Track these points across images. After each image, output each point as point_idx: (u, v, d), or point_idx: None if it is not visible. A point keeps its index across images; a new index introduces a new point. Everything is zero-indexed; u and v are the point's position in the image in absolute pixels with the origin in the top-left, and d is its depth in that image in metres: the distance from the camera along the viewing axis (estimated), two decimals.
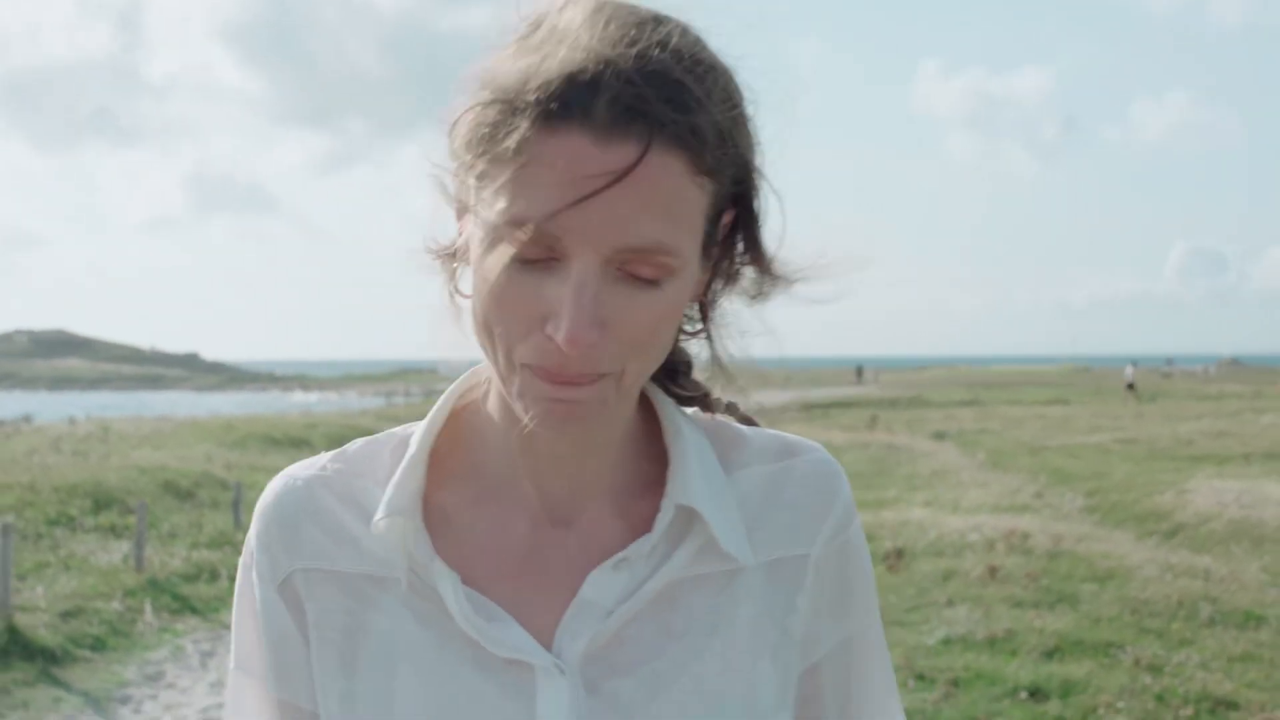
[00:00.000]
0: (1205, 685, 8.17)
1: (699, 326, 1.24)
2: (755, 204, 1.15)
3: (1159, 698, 7.96)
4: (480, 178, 1.06)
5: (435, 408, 1.24)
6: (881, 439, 29.95)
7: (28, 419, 42.58)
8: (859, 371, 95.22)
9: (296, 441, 27.35)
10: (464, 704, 1.15)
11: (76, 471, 17.56)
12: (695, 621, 1.19)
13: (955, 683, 8.40)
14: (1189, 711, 7.65)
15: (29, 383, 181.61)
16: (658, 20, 1.06)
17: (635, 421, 1.24)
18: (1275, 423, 31.81)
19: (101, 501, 16.01)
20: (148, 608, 11.59)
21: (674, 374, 1.29)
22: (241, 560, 1.26)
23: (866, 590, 1.31)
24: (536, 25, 1.07)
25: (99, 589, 11.77)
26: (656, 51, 1.02)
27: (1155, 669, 8.59)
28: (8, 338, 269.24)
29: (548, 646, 1.16)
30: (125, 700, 9.10)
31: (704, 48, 1.08)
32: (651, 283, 1.05)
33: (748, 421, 1.31)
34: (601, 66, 1.00)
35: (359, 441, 1.27)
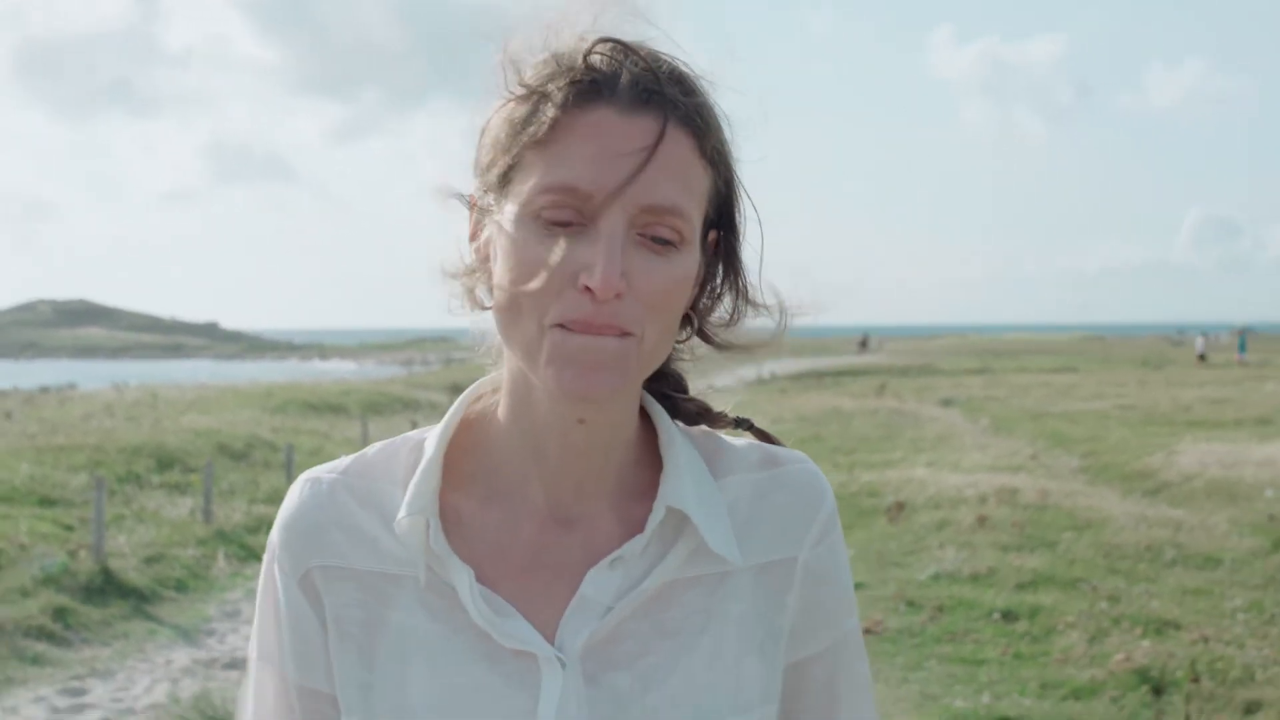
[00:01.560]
0: (1156, 612, 9.37)
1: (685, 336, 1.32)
2: (737, 225, 1.27)
3: (1114, 620, 9.19)
4: (514, 168, 1.17)
5: (449, 414, 1.31)
6: (890, 405, 30.45)
7: (73, 386, 43.68)
8: (863, 340, 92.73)
9: (335, 408, 28.63)
10: (473, 693, 1.22)
11: (138, 434, 18.85)
12: (688, 620, 1.26)
13: (940, 608, 9.71)
14: (1137, 631, 8.84)
15: (52, 352, 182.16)
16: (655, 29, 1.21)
17: (635, 431, 1.31)
18: (1277, 391, 32.39)
19: (164, 461, 17.29)
20: (220, 555, 12.84)
21: (675, 390, 1.39)
22: (265, 557, 1.32)
23: (850, 592, 1.39)
24: (553, 27, 1.20)
25: (173, 539, 13.03)
26: (663, 54, 1.19)
27: (1114, 599, 9.84)
28: (30, 307, 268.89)
29: (550, 640, 1.23)
30: (210, 633, 10.32)
31: (700, 71, 1.22)
32: (666, 247, 1.15)
33: (757, 432, 1.41)
34: (622, 55, 1.16)
35: (376, 446, 1.34)
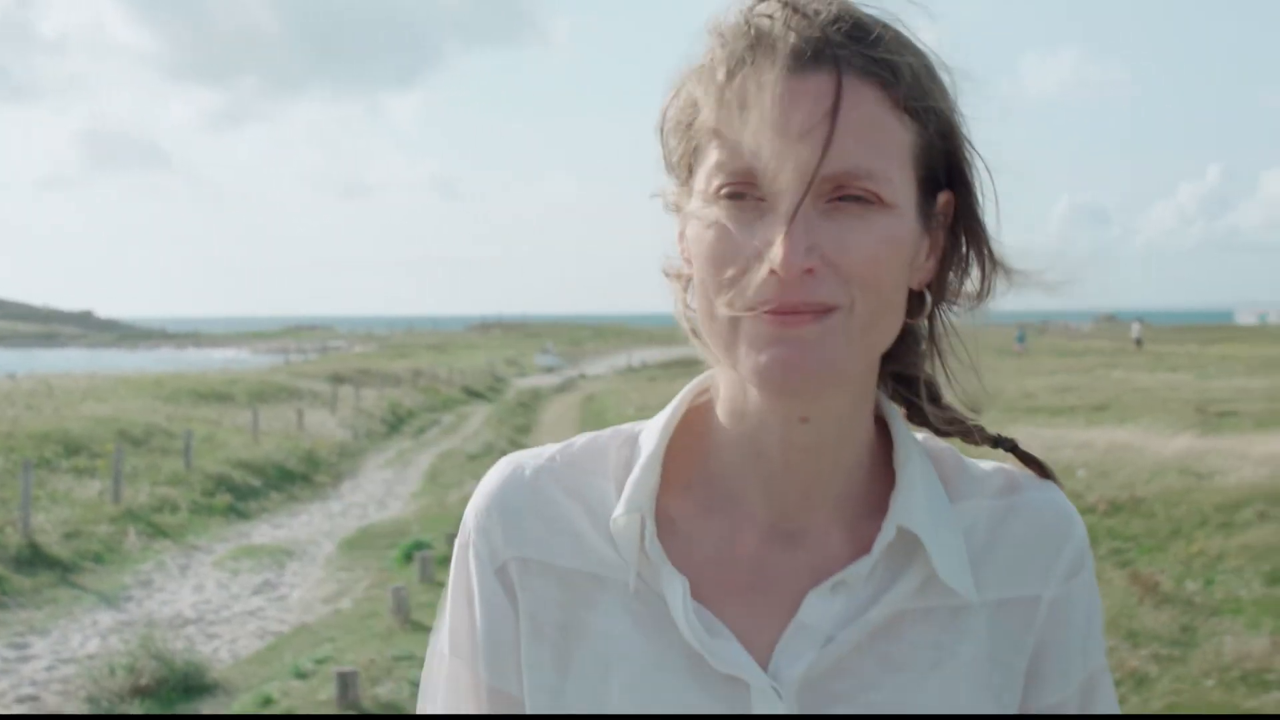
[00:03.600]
0: None
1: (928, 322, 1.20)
2: (973, 184, 1.14)
3: None
4: (694, 155, 1.10)
5: (670, 408, 1.22)
6: None
7: None
8: None
9: (222, 396, 29.65)
10: (677, 715, 1.13)
11: (43, 422, 19.93)
12: (917, 655, 1.14)
13: None
14: None
15: None
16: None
17: (869, 441, 1.19)
18: (1123, 378, 34.49)
19: (71, 447, 18.44)
20: (130, 531, 14.13)
21: (932, 399, 1.25)
22: (458, 541, 1.24)
23: (1099, 630, 1.25)
24: (736, 11, 1.10)
25: (87, 517, 14.31)
26: (845, 3, 1.08)
27: None
28: None
29: (764, 666, 1.12)
30: (129, 599, 11.68)
31: (891, 15, 1.10)
32: (862, 210, 1.04)
33: (1020, 454, 1.26)
34: (790, 14, 1.06)
35: (585, 436, 1.25)
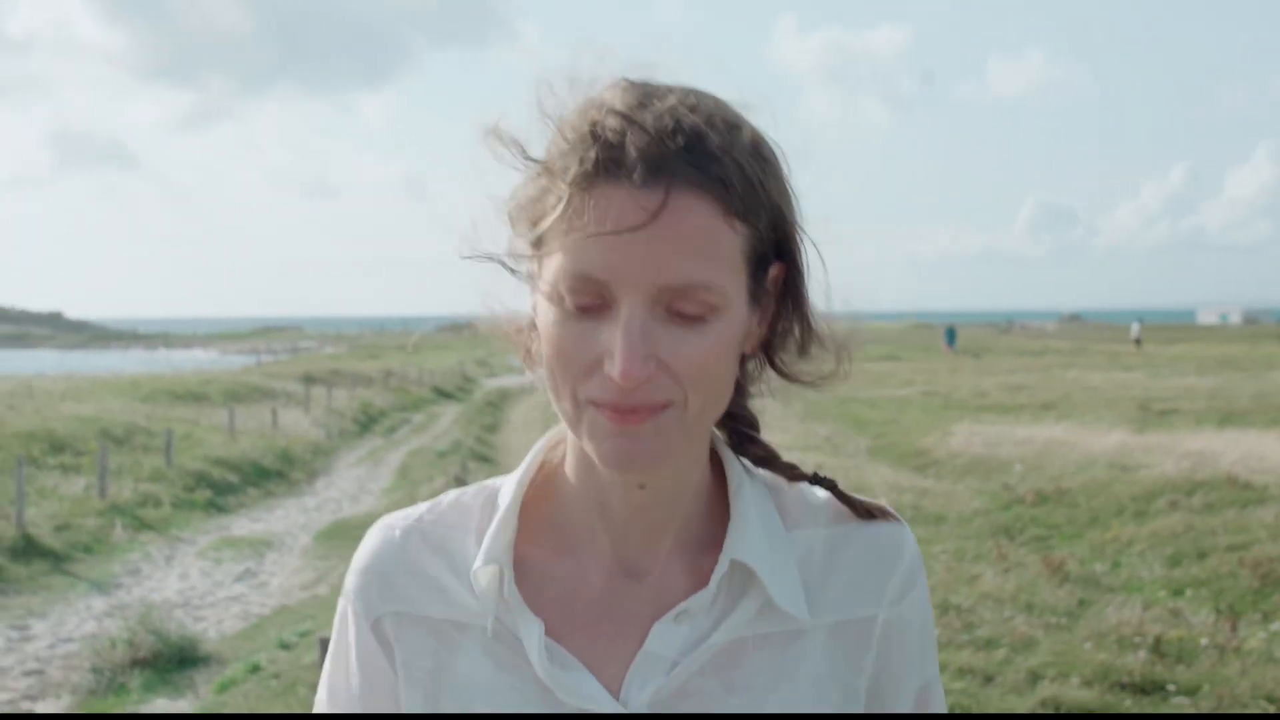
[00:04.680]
0: None
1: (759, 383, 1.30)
2: (800, 258, 1.21)
3: None
4: (535, 245, 1.14)
5: (524, 466, 1.30)
6: None
7: None
8: None
9: (198, 396, 30.40)
10: None
11: (26, 422, 20.66)
12: (757, 678, 1.22)
13: None
14: None
15: None
16: (684, 90, 1.15)
17: (705, 480, 1.27)
18: (1077, 378, 35.38)
19: (55, 445, 19.19)
20: (117, 524, 14.90)
21: (748, 436, 1.33)
22: (339, 605, 1.34)
23: (932, 641, 1.34)
24: (578, 110, 1.14)
25: (75, 511, 15.06)
26: (682, 112, 1.11)
27: None
28: None
29: (615, 694, 1.20)
30: (119, 586, 12.43)
31: (728, 108, 1.16)
32: (697, 320, 1.10)
33: (817, 481, 1.33)
34: (630, 128, 1.09)
35: (452, 494, 1.34)
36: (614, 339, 1.08)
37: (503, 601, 1.23)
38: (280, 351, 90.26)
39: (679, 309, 1.10)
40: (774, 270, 1.20)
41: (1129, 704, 7.01)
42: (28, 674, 9.24)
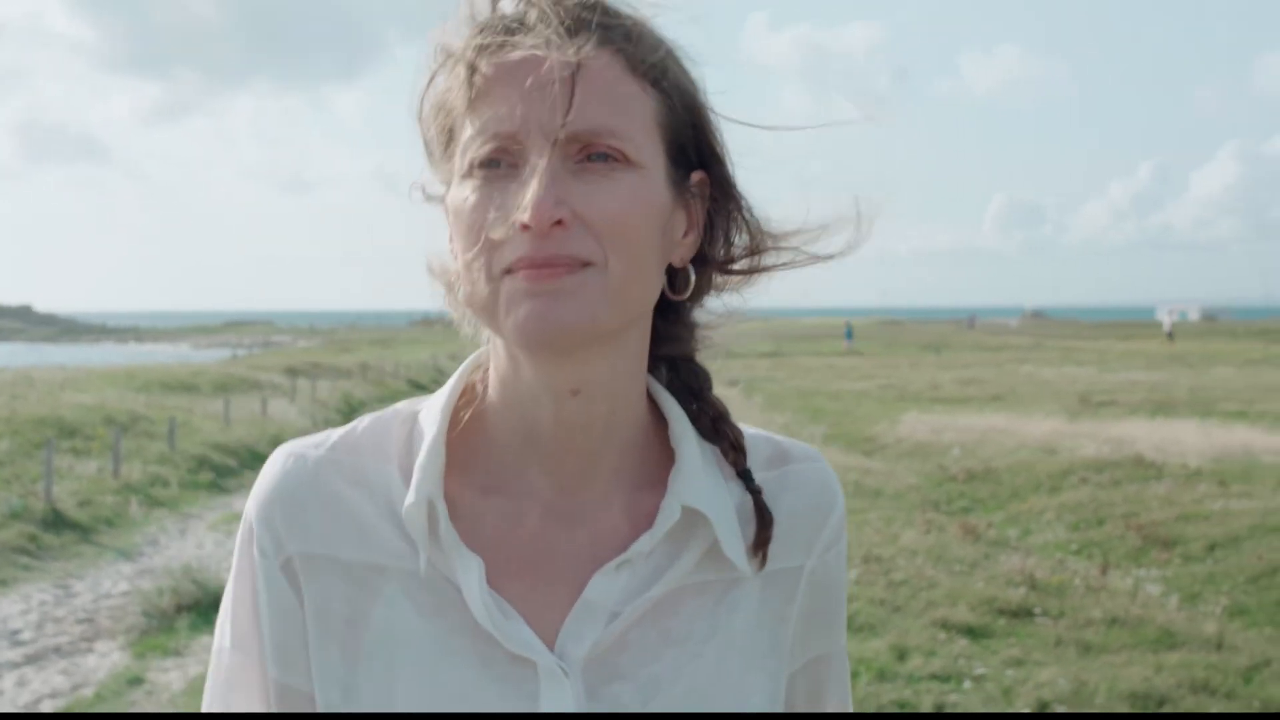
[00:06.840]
0: None
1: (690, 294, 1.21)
2: (721, 157, 1.19)
3: None
4: (450, 140, 1.13)
5: (448, 387, 1.21)
6: None
7: None
8: None
9: (189, 387, 31.82)
10: (464, 700, 1.12)
11: (36, 409, 22.03)
12: (694, 627, 1.18)
13: None
14: None
15: None
16: None
17: (644, 419, 1.21)
18: (1031, 372, 36.81)
19: (66, 431, 20.51)
20: (132, 501, 16.31)
21: (698, 383, 1.27)
22: (240, 536, 1.21)
23: (843, 607, 1.31)
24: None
25: (93, 489, 16.44)
26: None
27: None
28: None
29: (550, 645, 1.13)
30: (141, 554, 13.80)
31: (641, 11, 1.14)
32: (608, 169, 1.07)
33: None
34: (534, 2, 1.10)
35: (368, 418, 1.23)
36: (525, 189, 1.04)
37: (434, 541, 1.15)
38: (252, 345, 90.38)
39: (592, 154, 1.07)
40: (697, 176, 1.18)
41: (1002, 623, 8.57)
42: (79, 622, 10.56)
